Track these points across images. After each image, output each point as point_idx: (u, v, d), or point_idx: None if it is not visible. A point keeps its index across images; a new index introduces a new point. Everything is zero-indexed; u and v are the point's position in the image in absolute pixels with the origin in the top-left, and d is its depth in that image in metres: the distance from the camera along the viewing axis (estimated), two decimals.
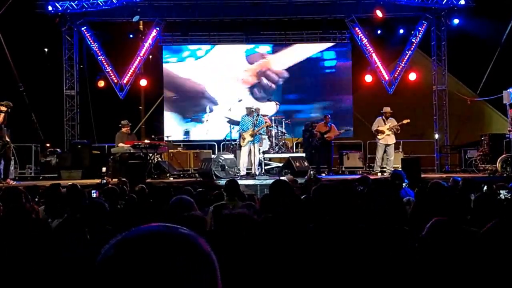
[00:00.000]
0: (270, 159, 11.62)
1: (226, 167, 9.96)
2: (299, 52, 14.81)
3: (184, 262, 0.75)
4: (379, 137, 10.97)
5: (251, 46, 14.76)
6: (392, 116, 11.07)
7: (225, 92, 14.46)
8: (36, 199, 5.33)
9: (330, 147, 11.47)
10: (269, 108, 13.23)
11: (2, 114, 8.85)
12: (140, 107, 15.89)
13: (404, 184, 5.79)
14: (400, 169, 7.23)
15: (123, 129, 10.99)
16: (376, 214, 3.13)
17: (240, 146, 11.78)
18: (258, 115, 10.27)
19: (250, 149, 10.11)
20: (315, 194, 2.94)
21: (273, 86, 14.69)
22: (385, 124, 10.95)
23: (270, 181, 8.41)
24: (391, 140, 10.95)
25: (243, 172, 10.16)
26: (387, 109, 11.05)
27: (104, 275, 0.74)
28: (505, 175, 9.52)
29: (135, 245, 0.76)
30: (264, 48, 14.83)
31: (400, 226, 3.15)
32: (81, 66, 13.97)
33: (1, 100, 9.07)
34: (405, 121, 10.82)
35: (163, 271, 0.73)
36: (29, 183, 9.60)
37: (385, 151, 10.99)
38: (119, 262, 0.74)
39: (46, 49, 14.33)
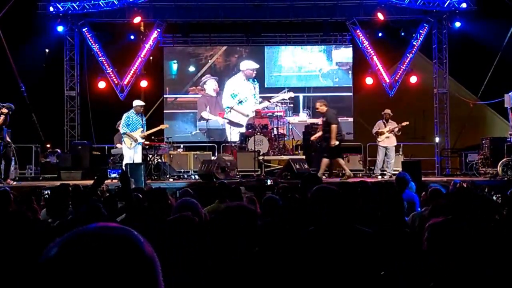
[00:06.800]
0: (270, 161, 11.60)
1: (226, 169, 9.94)
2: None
3: (124, 263, 0.75)
4: (379, 139, 10.98)
5: None
6: (393, 119, 11.06)
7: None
8: (33, 198, 5.31)
9: None
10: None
11: (3, 116, 8.90)
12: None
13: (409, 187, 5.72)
14: (404, 172, 7.19)
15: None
16: (379, 218, 3.12)
17: (240, 148, 11.79)
18: (142, 115, 9.62)
19: (136, 151, 9.42)
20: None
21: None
22: (385, 126, 10.95)
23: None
24: (391, 142, 10.94)
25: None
26: (387, 111, 11.06)
27: (43, 276, 0.74)
28: (505, 179, 9.49)
29: (76, 245, 0.76)
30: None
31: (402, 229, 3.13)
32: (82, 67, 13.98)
33: (2, 101, 9.11)
34: (404, 123, 10.81)
35: (102, 272, 0.74)
36: (29, 184, 9.61)
37: (385, 154, 10.98)
38: (59, 263, 0.75)
39: (47, 50, 14.34)
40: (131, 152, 9.40)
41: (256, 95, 14.59)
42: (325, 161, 9.81)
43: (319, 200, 2.58)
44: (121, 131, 9.53)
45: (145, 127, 9.55)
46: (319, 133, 10.29)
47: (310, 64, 14.79)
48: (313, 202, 2.63)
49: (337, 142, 9.65)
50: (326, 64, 14.78)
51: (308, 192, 2.94)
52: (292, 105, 14.38)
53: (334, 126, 9.60)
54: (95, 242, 0.77)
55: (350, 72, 14.73)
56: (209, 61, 14.77)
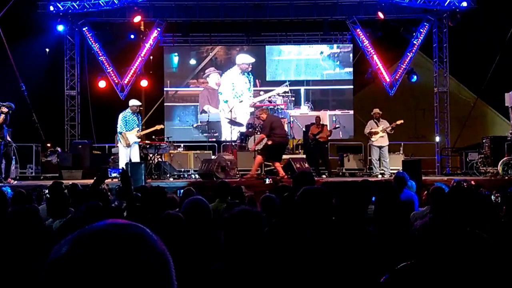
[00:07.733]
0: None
1: (226, 168, 9.95)
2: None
3: (138, 261, 0.74)
4: (372, 139, 10.98)
5: None
6: (393, 118, 11.05)
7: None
8: (34, 197, 5.32)
9: (325, 148, 11.46)
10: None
11: (3, 115, 8.91)
12: (141, 108, 15.87)
13: (408, 186, 5.71)
14: (403, 171, 7.19)
15: None
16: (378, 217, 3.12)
17: (240, 147, 11.79)
18: (138, 114, 9.52)
19: (132, 150, 9.31)
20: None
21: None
22: (377, 126, 10.94)
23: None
24: (384, 141, 10.93)
25: None
26: (376, 110, 11.08)
27: (54, 275, 0.73)
28: (506, 178, 9.49)
29: (88, 244, 0.75)
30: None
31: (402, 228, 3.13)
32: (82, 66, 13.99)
33: (2, 101, 9.12)
34: (398, 122, 10.77)
35: (116, 270, 0.73)
36: (30, 183, 9.62)
37: (380, 153, 10.98)
38: (70, 261, 0.73)
39: (47, 49, 14.34)
40: (127, 151, 9.37)
41: (251, 89, 14.61)
42: (258, 158, 9.72)
43: (306, 200, 2.59)
44: (118, 130, 9.48)
45: (140, 126, 9.52)
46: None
47: (311, 48, 14.77)
48: (301, 203, 2.64)
49: (260, 146, 9.82)
50: (327, 48, 14.76)
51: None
52: (293, 98, 14.43)
53: (259, 135, 10.09)
54: (108, 239, 0.75)
55: (351, 55, 14.66)
56: (210, 53, 14.78)
